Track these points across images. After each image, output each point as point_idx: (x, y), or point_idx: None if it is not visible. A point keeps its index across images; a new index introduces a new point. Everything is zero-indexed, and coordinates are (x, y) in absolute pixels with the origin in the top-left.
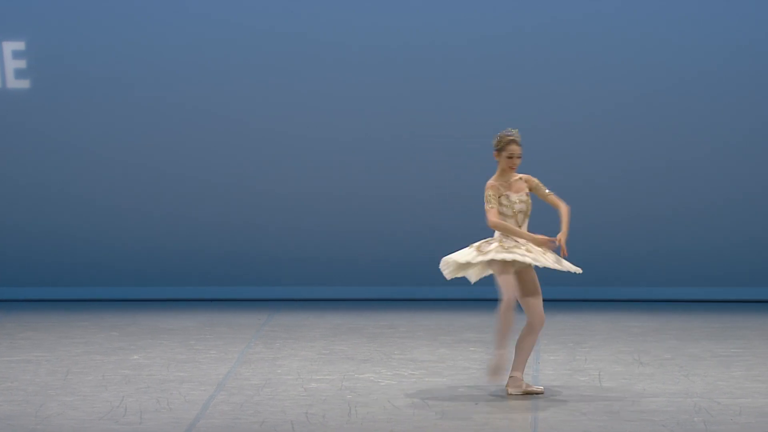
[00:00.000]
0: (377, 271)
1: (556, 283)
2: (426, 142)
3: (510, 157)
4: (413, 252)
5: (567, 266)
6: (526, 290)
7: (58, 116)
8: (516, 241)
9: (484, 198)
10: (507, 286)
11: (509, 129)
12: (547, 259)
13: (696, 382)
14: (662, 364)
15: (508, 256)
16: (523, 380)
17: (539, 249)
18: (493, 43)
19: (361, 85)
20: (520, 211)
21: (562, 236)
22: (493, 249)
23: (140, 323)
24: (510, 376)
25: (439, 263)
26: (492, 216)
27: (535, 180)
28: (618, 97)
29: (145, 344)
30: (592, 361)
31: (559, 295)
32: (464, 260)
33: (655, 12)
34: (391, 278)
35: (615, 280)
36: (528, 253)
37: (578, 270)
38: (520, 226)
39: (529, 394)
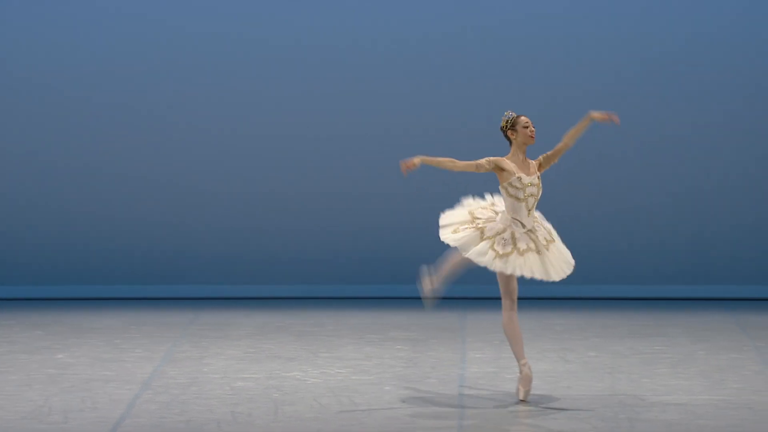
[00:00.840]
0: (303, 269)
1: (479, 282)
2: (352, 142)
3: (526, 127)
4: (338, 250)
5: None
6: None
7: None
8: (524, 223)
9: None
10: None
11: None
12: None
13: (621, 380)
14: (587, 361)
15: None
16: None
17: (542, 240)
18: (474, 38)
19: (310, 83)
20: (531, 195)
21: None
22: (510, 251)
23: (65, 322)
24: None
25: (362, 263)
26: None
27: (542, 156)
28: (564, 91)
29: (70, 343)
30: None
31: (482, 294)
32: (476, 259)
33: None
34: (317, 276)
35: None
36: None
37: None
38: (529, 211)
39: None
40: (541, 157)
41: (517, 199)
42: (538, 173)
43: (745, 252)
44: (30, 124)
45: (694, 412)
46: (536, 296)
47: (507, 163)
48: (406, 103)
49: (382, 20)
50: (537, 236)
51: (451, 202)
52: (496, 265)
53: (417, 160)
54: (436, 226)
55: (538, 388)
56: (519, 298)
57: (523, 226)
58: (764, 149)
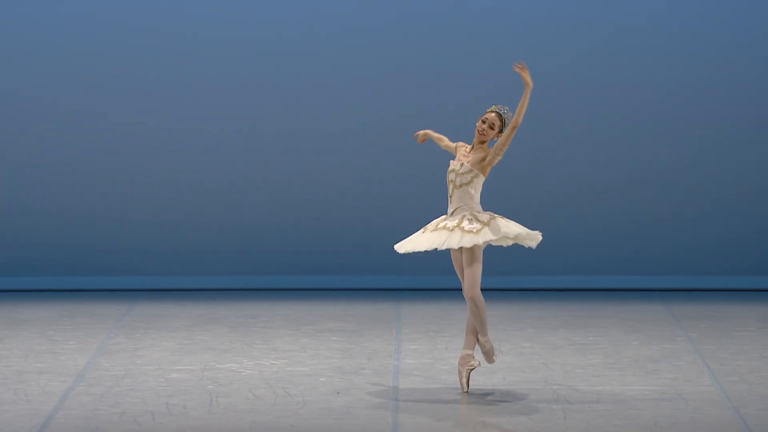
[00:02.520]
0: (237, 260)
1: (413, 273)
2: (285, 134)
3: (483, 122)
4: (272, 241)
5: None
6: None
7: None
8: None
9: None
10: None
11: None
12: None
13: (555, 370)
14: (521, 352)
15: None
16: (474, 357)
17: (449, 225)
18: (449, 31)
19: (254, 77)
20: (450, 181)
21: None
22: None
23: None
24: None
25: (297, 254)
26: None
27: (492, 148)
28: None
29: (1, 335)
30: (453, 350)
31: (417, 285)
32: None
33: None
34: (251, 267)
35: None
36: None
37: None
38: (450, 197)
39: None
40: (488, 152)
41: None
42: (467, 161)
43: (678, 242)
44: None
45: (627, 402)
46: None
47: (457, 150)
48: (377, 99)
49: (374, 16)
50: (450, 221)
51: (392, 192)
52: (418, 244)
53: (423, 132)
54: (376, 217)
55: (472, 379)
56: (452, 289)
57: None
58: (700, 141)
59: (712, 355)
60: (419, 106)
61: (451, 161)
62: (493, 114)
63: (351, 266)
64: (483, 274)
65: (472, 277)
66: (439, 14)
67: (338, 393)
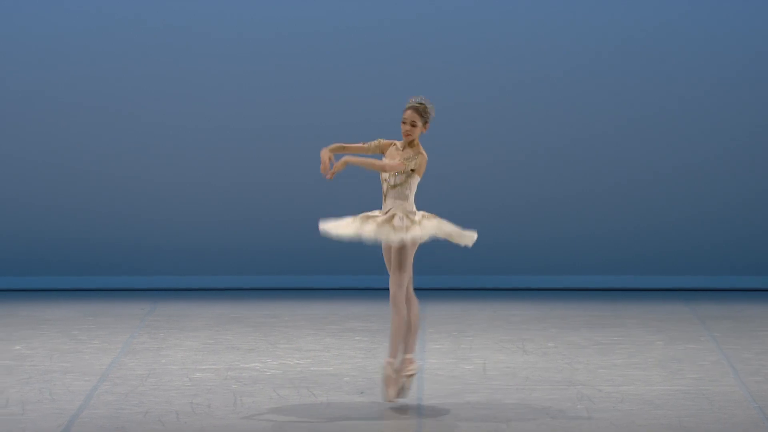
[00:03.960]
0: (260, 260)
1: (437, 272)
2: (313, 132)
3: (403, 122)
4: (296, 241)
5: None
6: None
7: None
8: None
9: (421, 166)
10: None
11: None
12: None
13: (578, 370)
14: (545, 352)
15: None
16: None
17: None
18: (393, 28)
19: (239, 74)
20: (384, 180)
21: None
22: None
23: (19, 314)
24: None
25: (320, 253)
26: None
27: (422, 161)
28: (508, 81)
29: (26, 334)
30: (476, 349)
31: (438, 284)
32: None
33: None
34: (275, 267)
35: (496, 269)
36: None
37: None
38: (385, 195)
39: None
40: (417, 159)
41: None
42: (403, 161)
43: (702, 242)
44: None
45: (651, 402)
46: (494, 287)
47: (389, 148)
48: (392, 91)
49: (374, 16)
50: (382, 216)
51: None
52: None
53: (341, 162)
54: None
55: (496, 378)
56: (476, 289)
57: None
58: (721, 140)
59: (736, 354)
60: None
61: (386, 158)
62: (410, 111)
63: (375, 266)
64: (510, 273)
65: (394, 296)
66: (440, 14)
67: (362, 393)
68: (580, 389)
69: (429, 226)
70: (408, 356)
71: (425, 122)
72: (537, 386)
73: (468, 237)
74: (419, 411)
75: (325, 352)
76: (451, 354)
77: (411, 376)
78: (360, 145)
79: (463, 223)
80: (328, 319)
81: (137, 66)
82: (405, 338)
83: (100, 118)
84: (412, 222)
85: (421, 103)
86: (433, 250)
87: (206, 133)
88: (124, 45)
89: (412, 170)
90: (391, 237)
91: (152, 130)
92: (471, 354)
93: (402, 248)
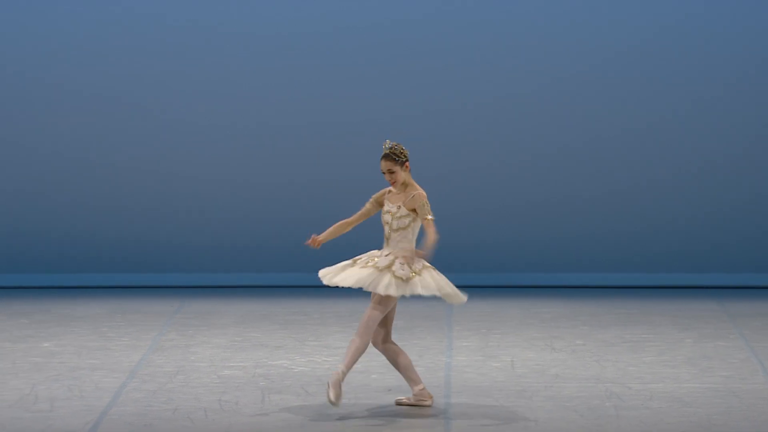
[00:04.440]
0: (288, 257)
1: (465, 270)
2: (334, 130)
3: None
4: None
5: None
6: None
7: None
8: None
9: (424, 209)
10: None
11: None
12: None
13: (607, 368)
14: (574, 349)
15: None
16: (424, 388)
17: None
18: (397, 28)
19: (271, 71)
20: (386, 223)
21: (423, 252)
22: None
23: (50, 310)
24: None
25: (348, 251)
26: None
27: (423, 201)
28: (521, 84)
29: (55, 331)
30: (504, 347)
31: (469, 282)
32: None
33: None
34: (303, 265)
35: (525, 266)
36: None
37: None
38: (387, 239)
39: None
40: (419, 209)
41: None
42: (402, 204)
43: (731, 240)
44: (13, 114)
45: (681, 399)
46: (523, 285)
47: (386, 196)
48: (398, 91)
49: (376, 15)
50: (382, 260)
51: (444, 187)
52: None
53: (318, 241)
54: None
55: (525, 376)
56: (505, 286)
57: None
58: (750, 137)
59: (765, 352)
60: (438, 105)
61: (387, 202)
62: (383, 162)
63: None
64: (540, 270)
65: (369, 319)
66: (444, 15)
67: (390, 390)
68: (609, 387)
69: (430, 287)
70: (421, 386)
71: (402, 164)
72: (566, 384)
73: (459, 299)
74: (447, 408)
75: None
76: (480, 351)
77: (428, 405)
78: (360, 214)
79: (495, 222)
80: (356, 316)
81: (162, 65)
82: (408, 373)
83: (131, 117)
84: (413, 272)
85: (390, 149)
86: (463, 248)
87: (237, 131)
88: (147, 43)
89: (414, 211)
90: (390, 290)
91: (182, 128)
92: (500, 351)
93: (389, 297)
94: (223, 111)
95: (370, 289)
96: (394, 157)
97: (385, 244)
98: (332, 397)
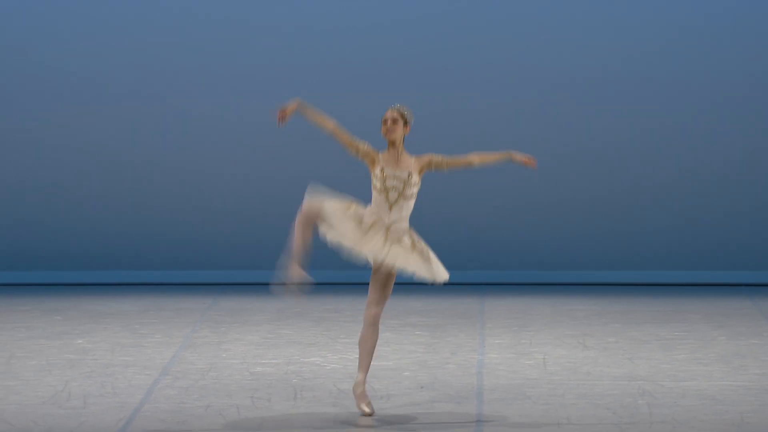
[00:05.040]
0: (322, 254)
1: (497, 267)
2: (357, 126)
3: (384, 122)
4: None
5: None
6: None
7: None
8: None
9: (437, 156)
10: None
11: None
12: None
13: (640, 365)
14: (606, 347)
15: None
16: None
17: (407, 244)
18: (401, 27)
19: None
20: (393, 188)
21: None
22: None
23: (83, 307)
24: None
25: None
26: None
27: (434, 156)
28: (548, 79)
29: (88, 328)
30: (536, 344)
31: (501, 279)
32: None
33: None
34: (336, 262)
35: (556, 263)
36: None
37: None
38: (391, 205)
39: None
40: (432, 156)
41: (377, 190)
42: (413, 170)
43: (765, 237)
44: (46, 110)
45: (713, 397)
46: (556, 282)
47: (378, 156)
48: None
49: (378, 14)
50: (392, 233)
51: (481, 185)
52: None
53: (293, 105)
54: (457, 211)
55: (557, 373)
56: (537, 284)
57: (383, 221)
58: None
59: None
60: (444, 106)
61: (384, 165)
62: (392, 111)
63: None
64: (566, 268)
65: (387, 298)
66: (447, 14)
67: (422, 387)
68: (641, 384)
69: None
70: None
71: (406, 124)
72: (598, 381)
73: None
74: (479, 405)
75: (385, 347)
76: (512, 349)
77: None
78: (346, 135)
79: (527, 219)
80: (388, 313)
81: (195, 62)
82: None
83: (163, 113)
84: (423, 250)
85: (401, 106)
86: (495, 245)
87: (265, 129)
88: (182, 38)
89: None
90: (424, 272)
91: (213, 124)
92: (531, 349)
93: (393, 274)
94: (256, 109)
95: (391, 261)
96: (404, 112)
97: (386, 210)
98: (367, 409)
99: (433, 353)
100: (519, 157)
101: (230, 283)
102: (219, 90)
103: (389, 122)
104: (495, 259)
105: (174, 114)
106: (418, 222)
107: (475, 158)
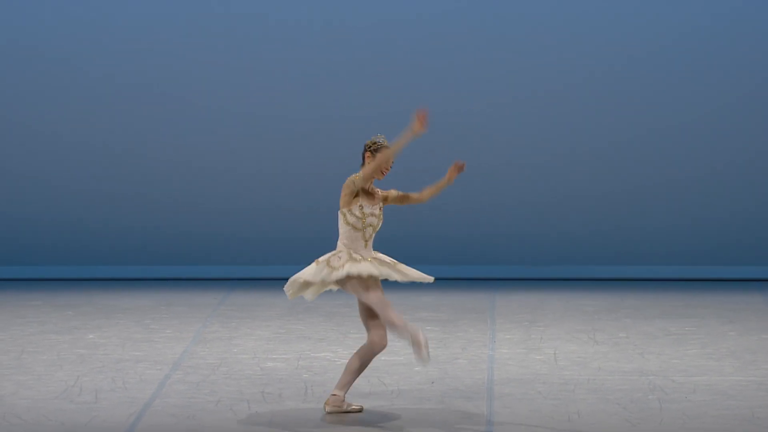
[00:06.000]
0: (331, 249)
1: (507, 262)
2: (368, 123)
3: (386, 162)
4: None
5: (415, 276)
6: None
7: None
8: (362, 255)
9: (343, 187)
10: (387, 306)
11: (379, 135)
12: (398, 271)
13: (650, 360)
14: (617, 342)
15: (364, 271)
16: (344, 400)
17: (388, 260)
18: (418, 24)
19: (321, 62)
20: (370, 225)
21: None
22: (345, 263)
23: (94, 302)
24: (332, 395)
25: (390, 243)
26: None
27: (394, 191)
28: (552, 79)
29: (100, 323)
30: (547, 339)
31: (512, 274)
32: (317, 279)
33: None
34: None
35: (567, 259)
36: (379, 266)
37: (429, 279)
38: (366, 242)
39: (347, 412)
40: (393, 192)
41: (355, 228)
42: (381, 204)
43: None
44: (60, 108)
45: (724, 392)
46: (566, 277)
47: (368, 192)
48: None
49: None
50: (379, 257)
51: (490, 180)
52: (331, 275)
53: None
54: (470, 207)
55: (567, 368)
56: (548, 279)
57: (361, 257)
58: None
59: None
60: (446, 104)
61: (364, 203)
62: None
63: (445, 256)
64: (577, 264)
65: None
66: (449, 13)
67: (433, 382)
68: (651, 379)
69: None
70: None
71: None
72: (608, 376)
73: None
74: (490, 400)
75: (396, 342)
76: (522, 344)
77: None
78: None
79: (537, 215)
80: (399, 309)
81: (229, 60)
82: (351, 376)
83: (177, 110)
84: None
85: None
86: (505, 240)
87: (274, 124)
88: (205, 35)
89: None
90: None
91: (228, 120)
92: (542, 344)
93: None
94: (268, 103)
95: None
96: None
97: (363, 248)
98: (425, 354)
99: (443, 348)
100: (452, 169)
101: (241, 278)
102: (229, 86)
103: (389, 165)
104: (506, 255)
105: (187, 110)
106: (431, 217)
107: (425, 195)
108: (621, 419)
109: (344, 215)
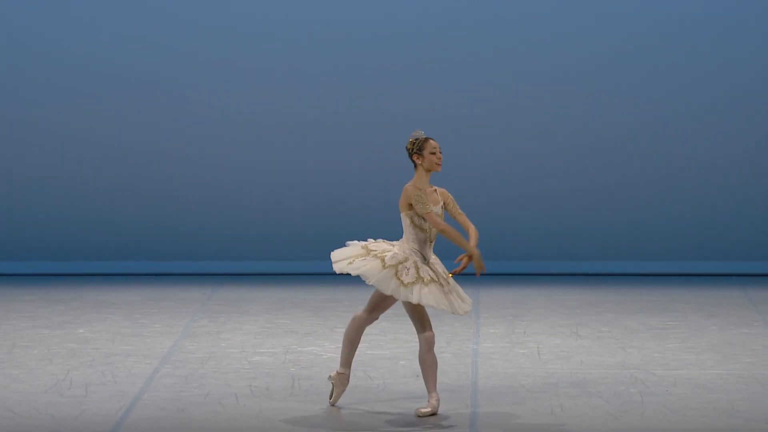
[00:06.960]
0: (319, 245)
1: (492, 258)
2: (359, 119)
3: (434, 153)
4: (354, 226)
5: (461, 312)
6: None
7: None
8: (427, 264)
9: (415, 201)
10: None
11: (415, 132)
12: (450, 302)
13: (632, 354)
14: (599, 336)
15: (432, 303)
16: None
17: (443, 276)
18: (435, 22)
19: (315, 59)
20: (428, 229)
21: (474, 255)
22: (415, 284)
23: (85, 297)
24: (340, 373)
25: (375, 238)
26: (436, 219)
27: (451, 196)
28: (541, 72)
29: (90, 318)
30: (530, 334)
31: (495, 269)
32: (388, 291)
33: None
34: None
35: (550, 254)
36: (440, 296)
37: (466, 311)
38: (431, 243)
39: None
40: (451, 202)
41: (422, 230)
42: (442, 203)
43: (756, 228)
44: (49, 103)
45: (705, 385)
46: (548, 272)
47: (432, 195)
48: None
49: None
50: (437, 269)
51: (490, 178)
52: (401, 294)
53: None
54: (462, 202)
55: (551, 362)
56: (531, 274)
57: (424, 258)
58: None
59: None
60: (446, 100)
61: (432, 204)
62: (435, 142)
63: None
64: (560, 259)
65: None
66: (450, 12)
67: (418, 376)
68: (633, 373)
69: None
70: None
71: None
72: (591, 370)
73: (464, 309)
74: (474, 394)
75: (382, 336)
76: (506, 338)
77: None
78: (449, 226)
79: (518, 208)
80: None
81: (220, 56)
82: (351, 355)
83: (165, 106)
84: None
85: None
86: (489, 236)
87: (270, 120)
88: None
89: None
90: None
91: (215, 116)
92: (526, 338)
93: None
94: (257, 100)
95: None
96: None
97: (425, 250)
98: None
99: None
100: (475, 262)
101: (229, 273)
102: (220, 82)
103: (438, 153)
104: (490, 250)
105: (175, 106)
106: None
107: (471, 231)
108: (603, 412)
109: (410, 217)
